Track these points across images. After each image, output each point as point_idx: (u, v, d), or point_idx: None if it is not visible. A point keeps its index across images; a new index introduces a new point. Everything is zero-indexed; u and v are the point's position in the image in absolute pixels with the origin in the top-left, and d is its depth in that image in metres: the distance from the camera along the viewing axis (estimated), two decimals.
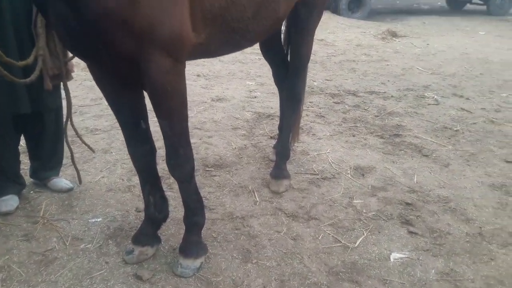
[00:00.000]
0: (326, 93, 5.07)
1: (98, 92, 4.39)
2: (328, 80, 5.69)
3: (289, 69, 2.84)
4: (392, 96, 4.99)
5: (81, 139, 2.56)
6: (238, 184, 2.92)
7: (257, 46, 2.81)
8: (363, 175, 3.09)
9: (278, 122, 4.10)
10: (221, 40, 1.96)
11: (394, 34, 8.70)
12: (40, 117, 2.49)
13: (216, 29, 1.86)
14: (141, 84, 1.77)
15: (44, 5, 1.63)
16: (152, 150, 2.06)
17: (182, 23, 1.63)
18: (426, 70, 6.25)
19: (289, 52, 2.89)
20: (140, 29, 1.51)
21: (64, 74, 2.29)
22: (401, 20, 11.63)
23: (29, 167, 2.79)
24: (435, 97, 4.96)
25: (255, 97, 4.95)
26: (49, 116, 2.53)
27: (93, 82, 1.96)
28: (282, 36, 3.02)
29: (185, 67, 1.78)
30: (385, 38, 8.44)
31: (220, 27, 1.87)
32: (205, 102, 4.64)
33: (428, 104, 4.72)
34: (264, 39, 2.54)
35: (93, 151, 2.89)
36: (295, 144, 3.35)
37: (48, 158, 2.69)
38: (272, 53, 3.01)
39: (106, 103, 2.10)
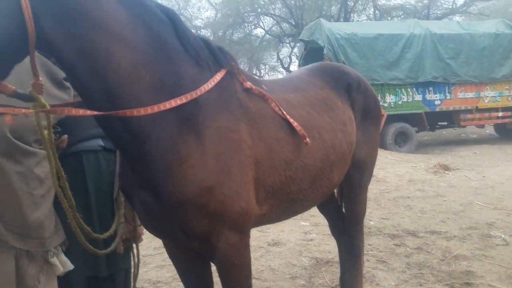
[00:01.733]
0: (385, 234, 4.93)
1: (159, 241, 4.54)
2: (384, 219, 5.58)
3: (346, 225, 2.86)
4: (455, 236, 4.77)
5: None
6: None
7: None
8: None
9: (337, 269, 3.97)
10: (282, 209, 2.09)
11: (446, 167, 8.65)
12: (111, 277, 2.54)
13: (277, 201, 2.00)
14: (210, 256, 1.85)
15: (129, 191, 1.81)
16: None
17: (249, 201, 1.78)
18: (487, 205, 6.03)
19: (343, 206, 2.94)
20: (214, 211, 1.67)
21: (135, 237, 2.41)
22: (450, 151, 11.66)
23: None
24: (503, 236, 4.68)
25: (311, 239, 4.88)
26: (119, 276, 2.58)
27: None
28: (336, 190, 3.10)
29: (249, 239, 1.88)
30: (437, 172, 8.39)
31: (281, 199, 2.02)
32: (262, 247, 4.62)
33: (497, 245, 4.44)
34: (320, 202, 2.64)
35: None
36: None
37: None
38: (326, 206, 3.08)
39: None
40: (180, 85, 1.65)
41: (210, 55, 1.81)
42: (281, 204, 2.05)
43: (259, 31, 25.79)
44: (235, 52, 22.60)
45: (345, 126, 2.42)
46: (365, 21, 22.52)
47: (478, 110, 12.53)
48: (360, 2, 21.11)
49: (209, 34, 23.93)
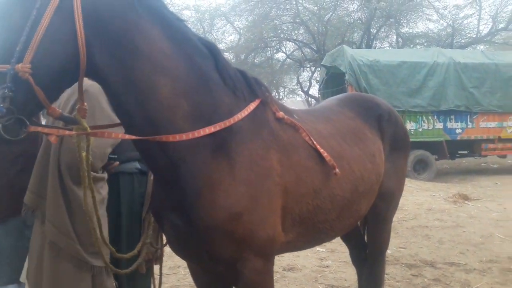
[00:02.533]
0: (402, 264, 4.88)
1: (176, 260, 4.59)
2: (402, 248, 5.52)
3: (367, 255, 2.87)
4: (474, 269, 4.68)
5: None
6: None
7: None
8: None
9: None
10: (307, 238, 2.13)
11: (465, 197, 8.52)
12: None
13: (303, 229, 2.04)
14: (234, 281, 1.90)
15: (160, 213, 1.89)
16: None
17: (276, 228, 1.83)
18: (508, 238, 5.90)
19: (366, 235, 2.95)
20: (241, 237, 1.72)
21: (158, 259, 2.47)
22: (470, 180, 11.47)
23: None
24: None
25: (327, 266, 4.86)
26: None
27: (170, 250, 2.16)
28: None
29: (273, 265, 1.92)
30: (457, 202, 8.26)
31: (307, 227, 2.05)
32: (277, 271, 4.62)
33: None
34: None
35: None
36: None
37: None
38: (349, 235, 3.08)
39: (183, 273, 2.24)
40: (216, 113, 1.73)
41: (246, 86, 1.90)
42: (307, 233, 2.08)
43: (280, 55, 26.10)
44: (256, 75, 22.81)
45: (374, 157, 2.45)
46: (388, 48, 22.57)
47: (501, 140, 12.34)
48: (382, 30, 21.19)
49: (231, 57, 24.31)
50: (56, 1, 1.45)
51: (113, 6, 1.55)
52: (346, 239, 3.14)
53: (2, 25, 1.44)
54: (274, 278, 4.39)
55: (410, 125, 11.64)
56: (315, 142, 2.03)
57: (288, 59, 25.70)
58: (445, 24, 20.55)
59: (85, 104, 1.66)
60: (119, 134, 1.67)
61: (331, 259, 5.12)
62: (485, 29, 20.68)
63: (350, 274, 4.60)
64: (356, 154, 2.35)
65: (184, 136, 1.63)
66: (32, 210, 2.14)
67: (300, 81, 27.19)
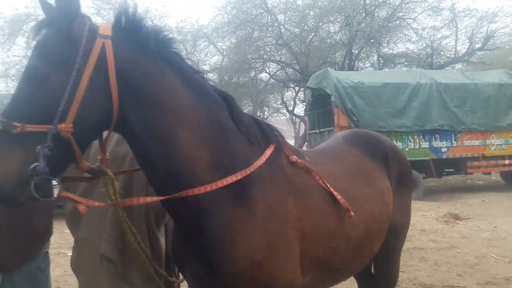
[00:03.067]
0: None
1: None
2: (401, 272, 5.49)
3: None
4: None
5: None
6: None
7: None
8: None
9: None
10: (323, 279, 2.14)
11: (456, 217, 8.63)
12: None
13: (320, 271, 2.06)
14: None
15: (180, 261, 1.88)
16: None
17: (295, 273, 1.85)
18: (502, 258, 5.99)
19: (373, 267, 2.96)
20: (263, 283, 1.73)
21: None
22: (458, 198, 11.63)
23: None
24: None
25: None
26: None
27: None
28: None
29: None
30: (448, 221, 8.37)
31: (324, 269, 2.07)
32: None
33: None
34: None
35: None
36: None
37: None
38: None
39: None
40: (233, 161, 1.77)
41: (259, 131, 1.93)
42: (324, 275, 2.10)
43: (264, 75, 26.36)
44: (240, 95, 23.03)
45: (383, 196, 2.50)
46: (369, 68, 23.01)
47: (485, 157, 12.60)
48: (364, 50, 21.63)
49: (215, 78, 24.43)
50: (93, 61, 1.51)
51: (139, 63, 1.62)
52: (356, 275, 3.13)
53: (39, 87, 1.47)
54: None
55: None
56: (328, 185, 2.06)
57: (271, 79, 25.95)
58: (424, 44, 21.11)
59: (108, 155, 1.75)
60: (154, 198, 1.72)
61: None
62: (462, 49, 21.35)
63: None
64: (367, 194, 2.39)
65: (208, 188, 1.67)
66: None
67: (284, 100, 27.44)
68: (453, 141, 12.34)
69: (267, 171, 1.83)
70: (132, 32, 1.62)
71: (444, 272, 5.49)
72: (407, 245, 6.86)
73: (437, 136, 12.24)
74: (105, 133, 1.75)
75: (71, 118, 1.46)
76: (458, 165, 12.78)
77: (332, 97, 11.74)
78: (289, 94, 28.41)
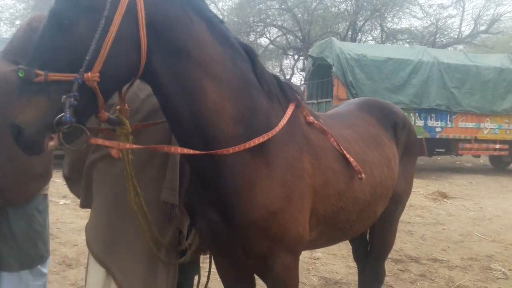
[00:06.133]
0: (389, 258, 5.03)
1: None
2: None
3: (371, 254, 2.99)
4: (457, 266, 4.91)
5: None
6: None
7: None
8: None
9: None
10: (328, 237, 2.25)
11: (444, 195, 8.84)
12: (179, 285, 2.57)
13: (326, 228, 2.14)
14: (261, 275, 1.99)
15: (194, 208, 1.93)
16: None
17: (305, 227, 1.92)
18: (486, 237, 6.19)
19: (370, 234, 3.06)
20: (275, 234, 1.80)
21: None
22: (446, 178, 11.85)
23: None
24: (502, 269, 4.84)
25: (317, 258, 4.99)
26: (187, 284, 2.64)
27: None
28: None
29: (299, 261, 2.00)
30: (436, 199, 8.57)
31: (329, 227, 2.16)
32: None
33: (497, 278, 4.59)
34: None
35: None
36: None
37: None
38: None
39: None
40: (255, 117, 1.78)
41: (280, 90, 1.94)
42: (329, 232, 2.18)
43: (263, 40, 25.98)
44: None
45: (390, 162, 2.56)
46: (371, 42, 22.81)
47: (477, 140, 12.75)
48: (368, 23, 21.37)
49: None
50: (123, 9, 1.46)
51: (169, 11, 1.57)
52: (352, 239, 3.24)
53: (65, 34, 1.42)
54: None
55: None
56: (342, 147, 2.11)
57: (271, 45, 25.62)
58: (429, 22, 20.93)
59: (127, 105, 1.74)
60: (178, 148, 1.72)
61: (321, 251, 5.24)
62: (466, 30, 21.21)
63: (339, 267, 4.76)
64: (376, 159, 2.45)
65: (237, 149, 1.69)
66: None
67: (283, 68, 27.23)
68: (448, 122, 12.43)
69: (286, 128, 1.85)
70: None
71: (429, 246, 5.67)
72: None
73: (432, 115, 12.30)
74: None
75: (98, 67, 1.42)
76: (449, 146, 12.92)
77: (333, 67, 11.66)
78: (287, 62, 28.16)
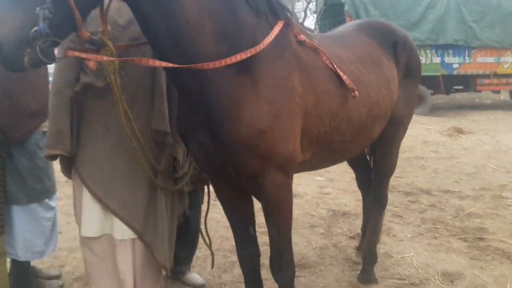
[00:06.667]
0: (399, 191, 5.09)
1: None
2: (398, 177, 5.71)
3: (374, 178, 2.99)
4: (468, 196, 4.91)
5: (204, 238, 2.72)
6: (324, 286, 2.94)
7: None
8: (452, 281, 3.01)
9: (354, 221, 4.16)
10: (323, 158, 2.23)
11: (460, 131, 8.70)
12: (186, 219, 2.61)
13: (319, 149, 2.12)
14: (255, 194, 2.01)
15: (186, 134, 1.95)
16: (258, 253, 2.26)
17: (295, 146, 1.90)
18: (500, 168, 6.13)
19: (372, 161, 3.06)
20: (263, 152, 1.79)
21: (204, 179, 2.56)
22: (464, 115, 11.63)
23: None
24: None
25: (327, 193, 5.06)
26: (193, 213, 2.73)
27: None
28: None
29: (292, 181, 2.00)
30: (452, 135, 8.45)
31: (323, 147, 2.14)
32: None
33: (509, 205, 4.59)
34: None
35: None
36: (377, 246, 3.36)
37: (186, 253, 2.89)
38: (356, 162, 3.20)
39: None
40: (240, 35, 1.73)
41: (269, 7, 1.87)
42: (323, 153, 2.17)
43: None
44: None
45: (389, 83, 2.50)
46: None
47: (496, 75, 12.34)
48: None
49: None
50: None
51: None
52: (353, 165, 3.25)
53: None
54: None
55: None
56: (335, 66, 2.05)
57: None
58: None
59: (109, 26, 1.73)
60: (156, 61, 1.68)
61: (331, 187, 5.31)
62: None
63: (349, 200, 4.81)
64: (373, 79, 2.39)
65: (217, 64, 1.66)
66: None
67: (295, 11, 26.42)
68: (466, 57, 11.98)
69: (274, 46, 1.80)
70: None
71: (442, 178, 5.66)
72: (407, 154, 7.03)
73: (450, 51, 11.88)
74: (106, 2, 1.71)
75: None
76: (467, 82, 12.54)
77: (345, 6, 11.27)
78: (299, 4, 27.26)
